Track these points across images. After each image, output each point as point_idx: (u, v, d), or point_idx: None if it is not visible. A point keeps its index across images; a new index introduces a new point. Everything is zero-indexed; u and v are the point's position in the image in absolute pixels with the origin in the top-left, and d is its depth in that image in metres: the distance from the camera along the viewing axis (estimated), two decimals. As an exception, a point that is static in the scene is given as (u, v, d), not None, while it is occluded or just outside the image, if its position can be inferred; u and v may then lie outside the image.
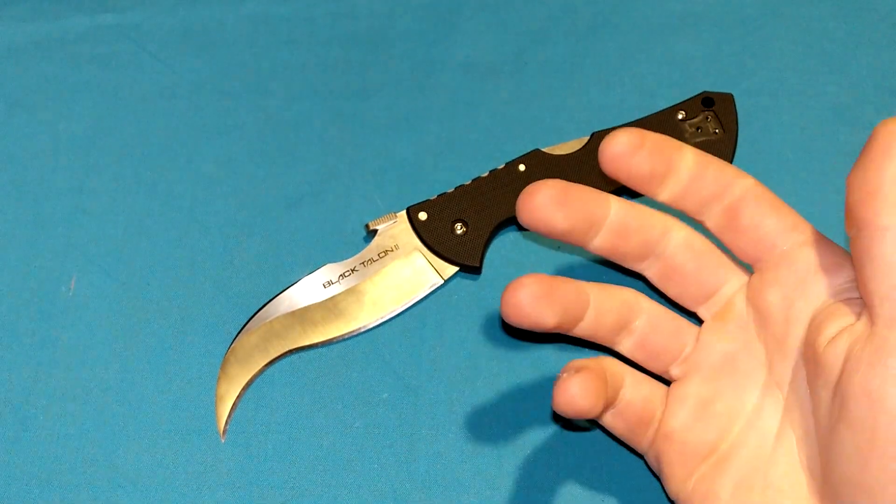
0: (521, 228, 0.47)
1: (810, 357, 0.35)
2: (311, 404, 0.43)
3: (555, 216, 0.37)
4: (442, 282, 0.45)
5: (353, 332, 0.44)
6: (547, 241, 0.47)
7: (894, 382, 0.31)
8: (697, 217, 0.38)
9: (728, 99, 0.48)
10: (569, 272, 0.46)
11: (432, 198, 0.46)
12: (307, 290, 0.45)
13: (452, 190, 0.46)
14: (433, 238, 0.46)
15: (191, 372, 0.44)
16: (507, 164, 0.47)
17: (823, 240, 0.36)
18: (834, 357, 0.33)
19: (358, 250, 0.46)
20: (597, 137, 0.47)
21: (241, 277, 0.46)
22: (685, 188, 0.37)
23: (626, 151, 0.36)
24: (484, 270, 0.46)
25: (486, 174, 0.47)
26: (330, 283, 0.45)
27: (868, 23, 0.52)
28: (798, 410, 0.35)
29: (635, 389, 0.38)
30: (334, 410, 0.43)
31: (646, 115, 0.48)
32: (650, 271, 0.39)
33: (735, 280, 0.38)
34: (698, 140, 0.47)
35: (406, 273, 0.45)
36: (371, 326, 0.45)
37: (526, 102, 0.50)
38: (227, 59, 0.52)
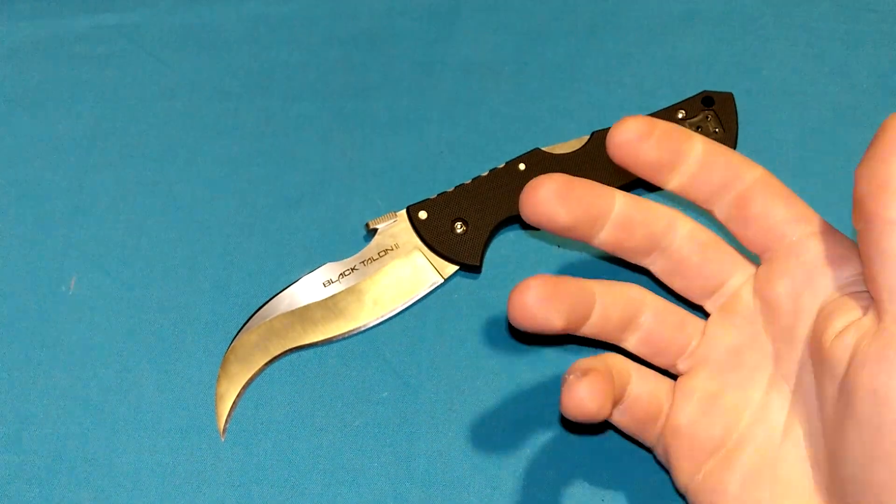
0: (524, 227, 0.47)
1: (817, 351, 0.34)
2: (311, 404, 0.43)
3: (558, 211, 0.36)
4: (442, 281, 0.45)
5: (353, 330, 0.44)
6: (550, 237, 0.46)
7: None
8: (706, 206, 0.37)
9: (728, 99, 0.48)
10: (571, 270, 0.46)
11: (432, 197, 0.46)
12: (307, 289, 0.45)
13: (452, 189, 0.46)
14: (433, 237, 0.46)
15: (191, 371, 0.44)
16: (507, 163, 0.47)
17: (832, 231, 0.36)
18: (841, 352, 0.33)
19: (358, 249, 0.46)
20: (597, 137, 0.47)
21: (241, 277, 0.46)
22: (694, 177, 0.37)
23: (634, 139, 0.36)
24: (484, 269, 0.46)
25: (486, 173, 0.47)
26: (330, 281, 0.45)
27: (868, 23, 0.52)
28: (805, 404, 0.35)
29: (642, 385, 0.38)
30: (334, 409, 0.43)
31: (646, 114, 0.48)
32: (656, 266, 0.39)
33: (741, 272, 0.38)
34: (698, 139, 0.47)
35: (406, 272, 0.45)
36: (371, 325, 0.45)
37: (526, 102, 0.50)
38: (227, 59, 0.52)
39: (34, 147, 0.50)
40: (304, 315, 0.44)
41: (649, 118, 0.36)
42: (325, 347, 0.44)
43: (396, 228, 0.46)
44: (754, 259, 0.38)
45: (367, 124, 0.50)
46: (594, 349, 0.43)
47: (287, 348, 0.44)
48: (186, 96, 0.51)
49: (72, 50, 0.52)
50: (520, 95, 0.51)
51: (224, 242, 0.47)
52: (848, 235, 0.36)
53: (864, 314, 0.33)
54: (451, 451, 0.42)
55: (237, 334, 0.44)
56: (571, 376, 0.36)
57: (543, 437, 0.42)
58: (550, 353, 0.44)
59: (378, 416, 0.43)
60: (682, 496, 0.38)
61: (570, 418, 0.35)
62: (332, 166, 0.49)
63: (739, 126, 0.48)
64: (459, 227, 0.46)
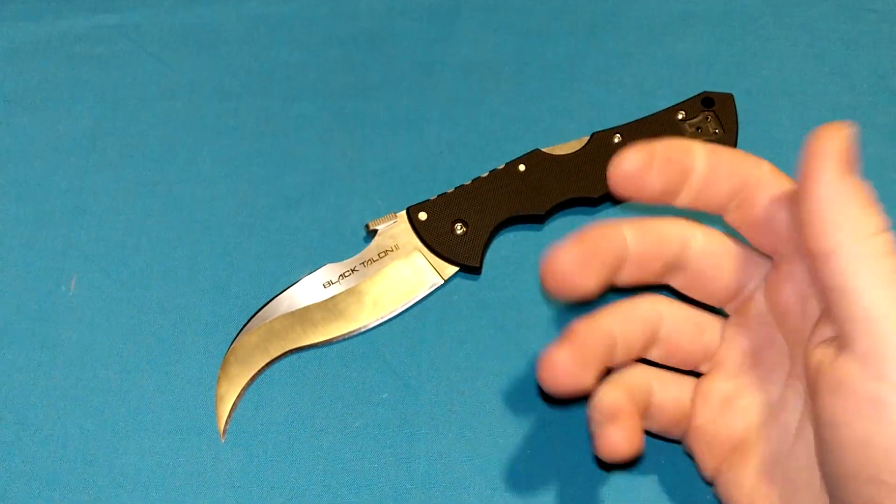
0: (524, 227, 0.47)
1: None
2: (311, 404, 0.43)
3: (581, 277, 0.35)
4: (442, 282, 0.45)
5: (353, 332, 0.44)
6: (550, 237, 0.46)
7: (849, 420, 0.31)
8: (715, 213, 0.37)
9: (728, 99, 0.48)
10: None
11: (432, 198, 0.46)
12: (307, 290, 0.45)
13: (452, 190, 0.46)
14: (433, 238, 0.46)
15: (191, 372, 0.44)
16: (507, 164, 0.47)
17: None
18: (811, 366, 0.33)
19: (358, 250, 0.46)
20: (597, 138, 0.47)
21: (241, 277, 0.46)
22: (700, 192, 0.36)
23: (636, 173, 0.35)
24: (484, 271, 0.46)
25: (486, 174, 0.47)
26: (330, 283, 0.45)
27: (868, 23, 0.52)
28: None
29: (664, 392, 0.38)
30: (334, 410, 0.43)
31: (646, 115, 0.48)
32: (674, 282, 0.39)
33: (758, 274, 0.38)
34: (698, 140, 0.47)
35: (406, 273, 0.45)
36: (371, 326, 0.45)
37: (526, 102, 0.50)
38: (227, 59, 0.52)
39: (34, 147, 0.50)
40: (304, 316, 0.44)
41: (646, 146, 0.35)
42: (325, 349, 0.44)
43: (396, 229, 0.46)
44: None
45: (367, 124, 0.50)
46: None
47: (287, 349, 0.44)
48: (186, 96, 0.51)
49: (72, 50, 0.52)
50: (520, 95, 0.51)
51: (224, 242, 0.47)
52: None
53: (834, 335, 0.33)
54: (452, 453, 0.42)
55: (237, 335, 0.44)
56: (600, 420, 0.36)
57: (544, 438, 0.42)
58: (550, 355, 0.44)
59: (378, 418, 0.43)
60: (710, 485, 0.39)
61: (608, 461, 0.36)
62: (332, 166, 0.49)
63: (739, 126, 0.48)
64: (459, 229, 0.46)
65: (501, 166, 0.47)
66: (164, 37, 0.53)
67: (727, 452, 0.37)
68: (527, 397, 0.43)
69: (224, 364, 0.44)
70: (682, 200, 0.37)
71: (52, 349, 0.45)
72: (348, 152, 0.49)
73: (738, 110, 0.48)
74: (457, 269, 0.46)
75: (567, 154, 0.47)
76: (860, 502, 0.31)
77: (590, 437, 0.37)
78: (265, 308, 0.45)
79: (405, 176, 0.48)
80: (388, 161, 0.49)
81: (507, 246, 0.47)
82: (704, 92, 0.48)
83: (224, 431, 0.43)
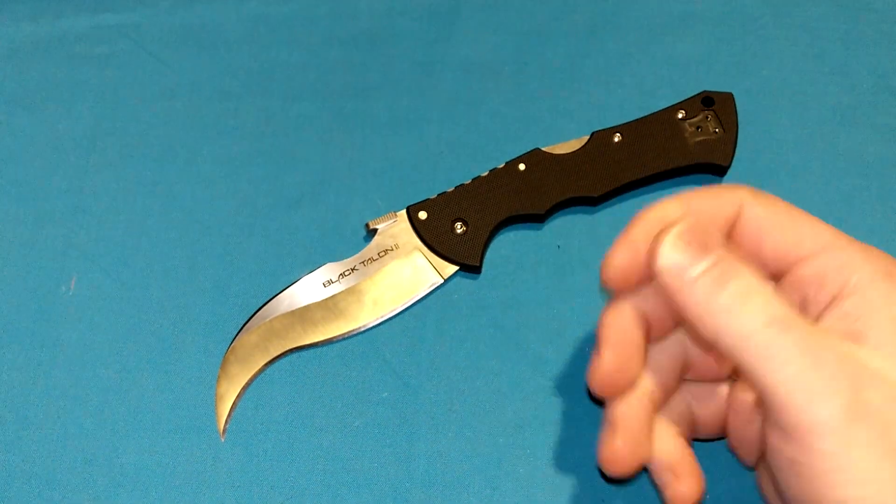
0: (524, 226, 0.47)
1: None
2: (311, 404, 0.43)
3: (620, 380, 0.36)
4: (442, 281, 0.45)
5: (353, 331, 0.44)
6: (550, 237, 0.47)
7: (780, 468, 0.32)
8: None
9: (728, 99, 0.48)
10: (571, 270, 0.46)
11: (432, 197, 0.46)
12: (307, 290, 0.45)
13: (452, 189, 0.46)
14: (433, 237, 0.46)
15: (191, 372, 0.44)
16: (506, 163, 0.47)
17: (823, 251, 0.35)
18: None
19: (358, 250, 0.46)
20: (597, 137, 0.47)
21: (241, 277, 0.46)
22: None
23: (625, 274, 0.35)
24: (484, 270, 0.46)
25: (486, 173, 0.47)
26: (330, 282, 0.45)
27: (868, 23, 0.52)
28: None
29: (703, 409, 0.39)
30: (334, 410, 0.43)
31: (646, 114, 0.48)
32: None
33: None
34: (698, 139, 0.47)
35: (406, 272, 0.45)
36: (371, 326, 0.45)
37: (526, 102, 0.50)
38: (227, 59, 0.52)
39: (34, 147, 0.50)
40: (304, 315, 0.44)
41: (627, 242, 0.35)
42: (325, 348, 0.44)
43: (396, 229, 0.46)
44: None
45: (367, 124, 0.50)
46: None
47: (287, 349, 0.44)
48: (186, 96, 0.51)
49: (72, 50, 0.52)
50: (520, 95, 0.51)
51: (224, 242, 0.47)
52: (849, 235, 0.36)
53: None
54: (451, 452, 0.42)
55: (237, 335, 0.44)
56: (663, 476, 0.37)
57: (544, 438, 0.42)
58: (551, 355, 0.44)
59: (378, 417, 0.43)
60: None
61: None
62: (332, 166, 0.49)
63: (739, 126, 0.48)
64: (459, 228, 0.46)
65: (501, 165, 0.47)
66: (164, 37, 0.53)
67: (758, 451, 0.38)
68: (527, 397, 0.43)
69: (224, 363, 0.44)
70: None
71: (52, 349, 0.45)
72: (348, 152, 0.49)
73: (738, 110, 0.48)
74: (457, 268, 0.45)
75: (567, 153, 0.47)
76: None
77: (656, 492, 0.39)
78: (265, 307, 0.45)
79: (405, 176, 0.48)
80: (388, 161, 0.49)
81: (507, 245, 0.47)
82: (704, 91, 0.48)
83: (224, 431, 0.43)
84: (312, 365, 0.44)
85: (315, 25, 0.53)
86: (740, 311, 0.31)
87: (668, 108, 0.48)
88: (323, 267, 0.45)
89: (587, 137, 0.47)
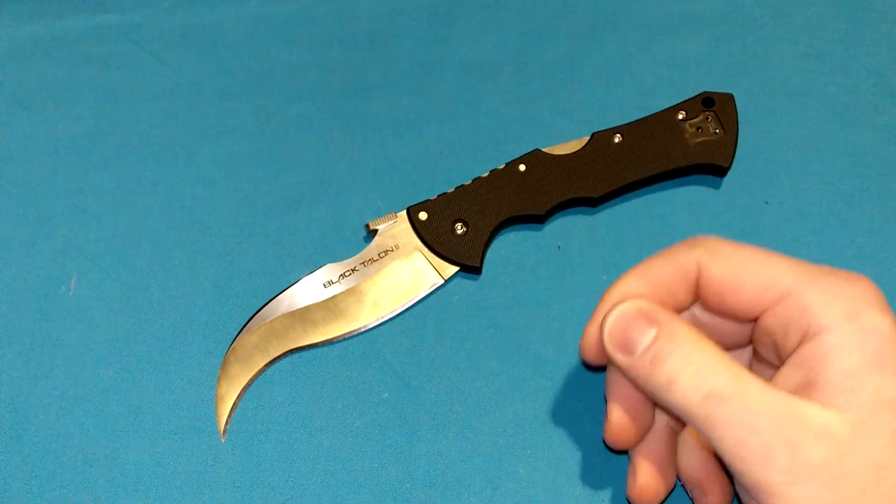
0: (524, 227, 0.47)
1: None
2: (311, 404, 0.43)
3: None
4: (442, 282, 0.45)
5: (353, 331, 0.44)
6: (551, 237, 0.47)
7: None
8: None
9: (728, 99, 0.48)
10: (571, 270, 0.46)
11: (432, 198, 0.46)
12: (307, 290, 0.45)
13: (452, 190, 0.46)
14: (433, 238, 0.46)
15: (191, 372, 0.44)
16: (507, 164, 0.47)
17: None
18: None
19: (358, 250, 0.46)
20: (597, 138, 0.47)
21: (241, 277, 0.46)
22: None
23: (599, 352, 0.36)
24: (484, 270, 0.46)
25: (486, 174, 0.47)
26: (330, 282, 0.45)
27: (868, 23, 0.52)
28: None
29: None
30: (334, 410, 0.43)
31: (646, 115, 0.48)
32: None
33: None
34: (699, 140, 0.47)
35: (406, 273, 0.45)
36: (371, 326, 0.45)
37: (526, 102, 0.50)
38: (227, 59, 0.52)
39: (34, 147, 0.50)
40: (304, 316, 0.44)
41: (590, 322, 0.36)
42: (325, 348, 0.44)
43: (397, 229, 0.46)
44: None
45: (367, 124, 0.50)
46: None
47: (287, 349, 0.44)
48: (186, 96, 0.51)
49: (72, 50, 0.52)
50: (520, 95, 0.51)
51: (224, 242, 0.47)
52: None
53: None
54: (452, 452, 0.42)
55: (237, 335, 0.44)
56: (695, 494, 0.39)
57: (543, 438, 0.42)
58: (550, 356, 0.44)
59: (378, 417, 0.43)
60: None
61: None
62: (332, 166, 0.49)
63: (739, 126, 0.48)
64: (460, 228, 0.46)
65: (501, 166, 0.47)
66: (164, 37, 0.53)
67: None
68: (527, 397, 0.43)
69: (224, 364, 0.44)
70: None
71: (52, 349, 0.45)
72: (348, 152, 0.49)
73: (738, 110, 0.48)
74: (457, 268, 0.45)
75: (567, 154, 0.47)
76: None
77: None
78: (265, 308, 0.45)
79: (405, 176, 0.48)
80: (388, 161, 0.49)
81: (507, 246, 0.47)
82: (704, 92, 0.48)
83: (224, 431, 0.43)
84: (313, 365, 0.44)
85: (315, 25, 0.53)
86: (677, 389, 0.32)
87: (668, 108, 0.48)
88: (323, 267, 0.45)
89: (587, 138, 0.47)
